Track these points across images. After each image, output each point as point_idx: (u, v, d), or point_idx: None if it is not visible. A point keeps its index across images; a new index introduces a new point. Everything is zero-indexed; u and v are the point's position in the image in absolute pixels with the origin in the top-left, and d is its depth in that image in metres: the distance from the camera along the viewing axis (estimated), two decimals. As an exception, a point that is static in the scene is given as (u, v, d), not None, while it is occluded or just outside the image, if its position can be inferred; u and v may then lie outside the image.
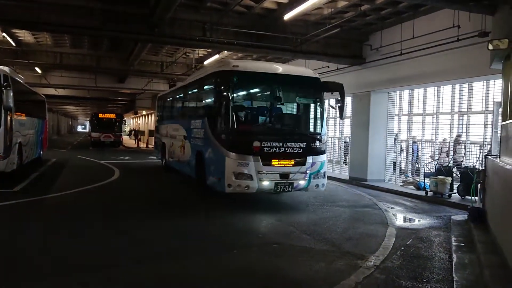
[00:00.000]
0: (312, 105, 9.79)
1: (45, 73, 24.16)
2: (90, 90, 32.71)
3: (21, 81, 13.80)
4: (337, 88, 9.19)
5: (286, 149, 8.49)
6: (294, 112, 10.59)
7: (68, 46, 20.18)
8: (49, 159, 18.31)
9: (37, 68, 21.76)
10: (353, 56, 13.91)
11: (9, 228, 6.86)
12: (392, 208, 9.73)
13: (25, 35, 18.10)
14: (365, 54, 13.87)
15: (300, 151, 8.62)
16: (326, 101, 11.30)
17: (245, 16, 12.28)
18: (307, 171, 8.71)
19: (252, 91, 9.50)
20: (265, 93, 9.54)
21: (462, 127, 11.45)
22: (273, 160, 8.36)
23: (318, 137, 9.19)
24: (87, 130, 72.01)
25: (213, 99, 9.40)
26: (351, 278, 4.86)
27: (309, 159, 8.71)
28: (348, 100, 15.40)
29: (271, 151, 8.35)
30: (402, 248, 6.28)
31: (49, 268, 4.98)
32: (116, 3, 11.23)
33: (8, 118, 10.72)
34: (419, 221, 8.42)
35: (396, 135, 13.75)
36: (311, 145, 8.83)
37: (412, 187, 12.36)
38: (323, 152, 9.12)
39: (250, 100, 9.67)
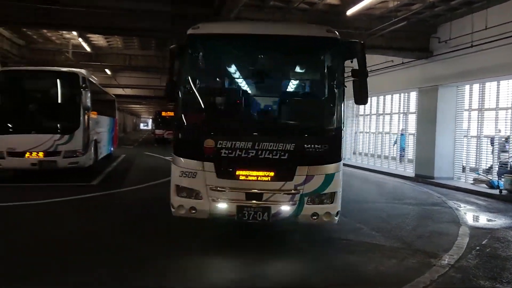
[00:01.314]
0: (319, 82, 6.14)
1: (114, 74, 25.63)
2: (155, 89, 34.11)
3: (95, 82, 14.78)
4: (354, 50, 5.53)
5: (260, 152, 5.34)
6: (286, 94, 6.60)
7: (136, 48, 21.29)
8: (119, 155, 19.41)
9: (107, 70, 23.12)
10: (420, 49, 13.45)
11: (93, 218, 7.49)
12: (463, 206, 9.35)
13: (98, 39, 19.33)
14: (433, 47, 13.36)
15: (285, 157, 5.35)
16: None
17: (307, 13, 12.30)
18: (297, 190, 5.41)
19: (216, 63, 6.36)
20: (237, 65, 6.44)
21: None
22: (236, 170, 5.40)
23: (324, 134, 5.65)
24: (149, 127, 75.21)
25: None
26: (425, 275, 4.80)
27: (302, 170, 5.39)
28: (413, 95, 15.01)
29: (233, 155, 5.38)
30: (478, 247, 6.06)
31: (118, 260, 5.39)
32: (182, 5, 11.69)
33: (86, 117, 11.55)
34: (494, 221, 8.03)
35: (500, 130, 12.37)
36: (306, 147, 5.43)
37: (484, 185, 11.76)
38: (332, 160, 5.57)
39: (214, 76, 6.53)
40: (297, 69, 6.54)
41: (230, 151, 5.39)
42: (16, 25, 14.42)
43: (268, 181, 5.40)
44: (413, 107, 15.25)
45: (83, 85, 11.23)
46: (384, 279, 4.80)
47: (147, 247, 5.68)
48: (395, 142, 16.73)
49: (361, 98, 5.49)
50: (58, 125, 11.01)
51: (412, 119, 15.26)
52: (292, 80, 6.80)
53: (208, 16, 11.63)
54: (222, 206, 5.45)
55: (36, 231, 6.46)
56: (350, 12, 10.90)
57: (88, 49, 18.43)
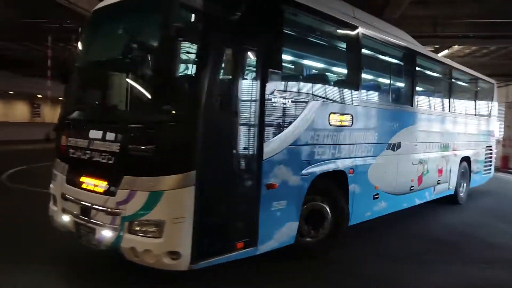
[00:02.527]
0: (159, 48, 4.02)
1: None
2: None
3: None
4: None
5: (92, 154, 4.00)
6: (123, 70, 4.73)
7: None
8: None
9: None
10: None
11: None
12: None
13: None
14: None
15: (112, 162, 3.81)
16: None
17: (483, 4, 11.08)
18: (119, 210, 3.69)
19: (89, 40, 4.92)
20: (92, 41, 4.99)
21: None
22: (74, 175, 4.21)
23: (152, 128, 3.61)
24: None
25: None
26: None
27: (128, 182, 3.66)
28: None
29: (75, 155, 4.19)
30: None
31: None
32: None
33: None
34: None
35: None
36: (130, 148, 3.66)
37: None
38: (165, 169, 3.54)
39: (83, 56, 4.93)
40: (136, 33, 4.27)
41: (73, 150, 4.21)
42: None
43: (94, 193, 3.94)
44: None
45: None
46: None
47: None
48: None
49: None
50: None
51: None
52: (130, 50, 4.47)
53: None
54: (65, 219, 4.23)
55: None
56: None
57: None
